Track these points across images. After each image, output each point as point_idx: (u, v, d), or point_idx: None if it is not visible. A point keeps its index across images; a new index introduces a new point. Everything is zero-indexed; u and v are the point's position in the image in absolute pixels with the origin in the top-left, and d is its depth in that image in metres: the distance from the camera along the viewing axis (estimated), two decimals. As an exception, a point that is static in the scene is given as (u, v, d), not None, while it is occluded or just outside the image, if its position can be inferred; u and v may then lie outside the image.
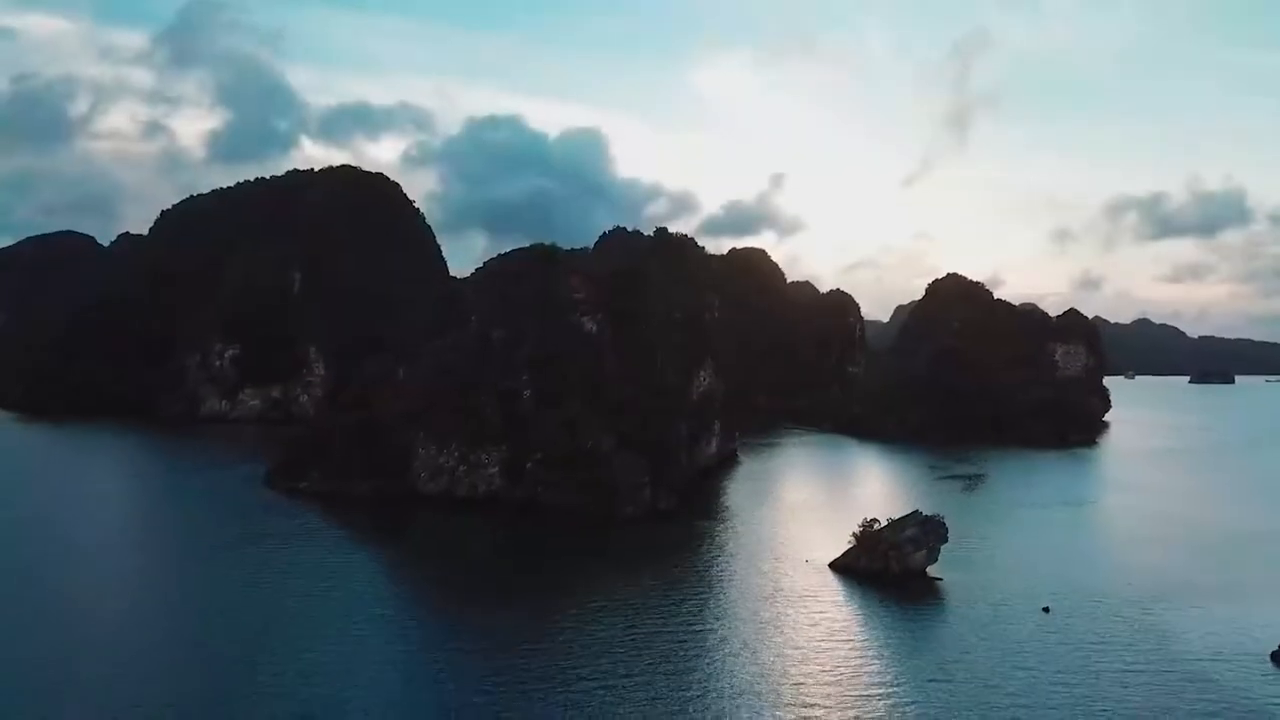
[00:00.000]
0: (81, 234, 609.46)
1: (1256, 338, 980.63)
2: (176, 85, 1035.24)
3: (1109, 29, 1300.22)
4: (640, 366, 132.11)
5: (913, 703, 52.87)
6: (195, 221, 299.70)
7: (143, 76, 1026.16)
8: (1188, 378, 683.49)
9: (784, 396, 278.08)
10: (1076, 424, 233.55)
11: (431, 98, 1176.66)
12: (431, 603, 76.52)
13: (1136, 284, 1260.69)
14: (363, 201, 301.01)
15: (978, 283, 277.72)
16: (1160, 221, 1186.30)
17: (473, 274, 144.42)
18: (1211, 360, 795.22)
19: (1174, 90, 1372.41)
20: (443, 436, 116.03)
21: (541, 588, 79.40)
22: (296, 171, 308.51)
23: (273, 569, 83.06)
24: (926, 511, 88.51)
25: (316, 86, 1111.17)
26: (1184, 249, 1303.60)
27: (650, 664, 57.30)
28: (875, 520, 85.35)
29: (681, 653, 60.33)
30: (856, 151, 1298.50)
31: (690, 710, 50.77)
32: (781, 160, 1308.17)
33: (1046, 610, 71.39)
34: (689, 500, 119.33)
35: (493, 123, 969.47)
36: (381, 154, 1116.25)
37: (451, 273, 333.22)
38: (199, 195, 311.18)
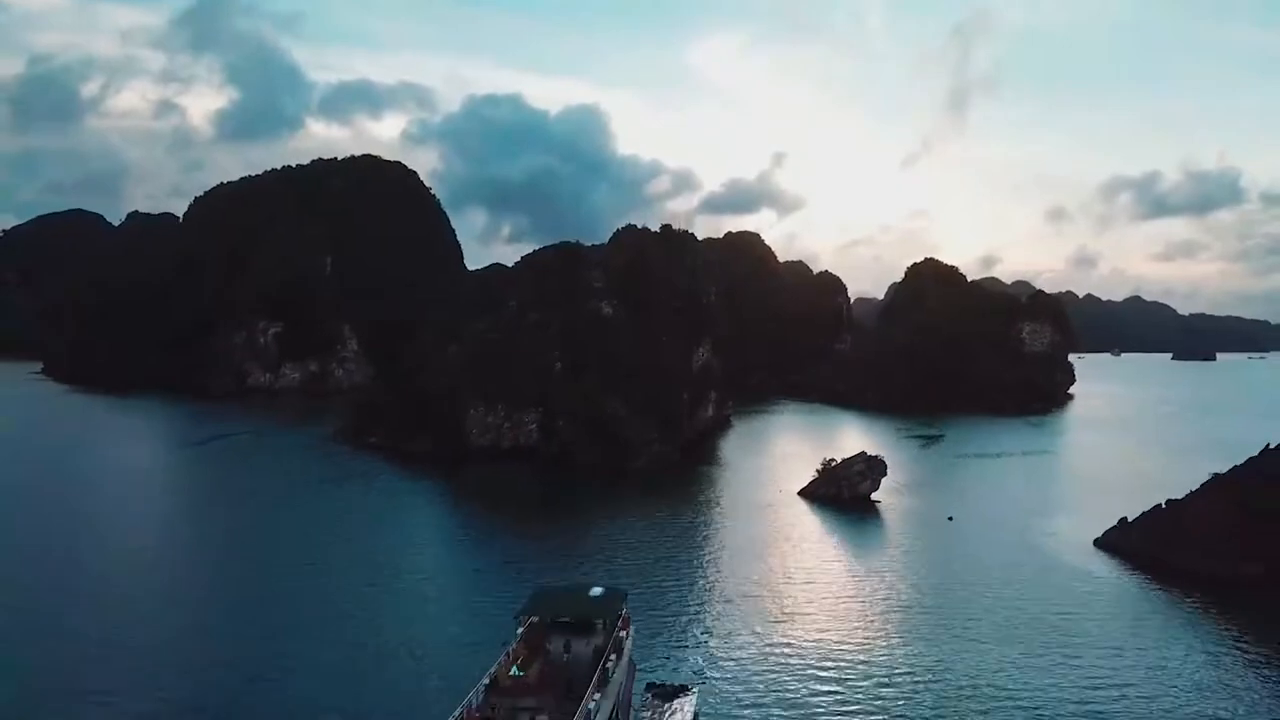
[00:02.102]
0: (90, 212, 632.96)
1: (1246, 315, 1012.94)
2: (188, 66, 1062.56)
3: (1107, 10, 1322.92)
4: (648, 344, 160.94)
5: (841, 559, 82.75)
6: (226, 206, 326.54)
7: (153, 57, 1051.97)
8: (1170, 355, 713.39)
9: (776, 371, 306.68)
10: (1040, 396, 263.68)
11: (432, 74, 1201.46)
12: (487, 517, 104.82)
13: (1131, 262, 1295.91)
14: (382, 189, 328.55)
15: (953, 267, 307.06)
16: (1154, 201, 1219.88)
17: (513, 266, 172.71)
18: (1201, 337, 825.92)
19: (1170, 71, 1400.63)
20: (490, 399, 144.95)
21: (573, 512, 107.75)
22: (320, 160, 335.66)
23: (360, 498, 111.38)
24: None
25: (319, 64, 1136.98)
26: (1177, 227, 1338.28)
27: (658, 552, 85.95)
28: (833, 459, 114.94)
29: (681, 543, 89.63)
30: (856, 131, 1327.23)
31: (690, 565, 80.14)
32: (781, 139, 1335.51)
33: (950, 519, 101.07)
34: (689, 454, 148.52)
35: (493, 101, 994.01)
36: (384, 131, 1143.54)
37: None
38: (229, 182, 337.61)
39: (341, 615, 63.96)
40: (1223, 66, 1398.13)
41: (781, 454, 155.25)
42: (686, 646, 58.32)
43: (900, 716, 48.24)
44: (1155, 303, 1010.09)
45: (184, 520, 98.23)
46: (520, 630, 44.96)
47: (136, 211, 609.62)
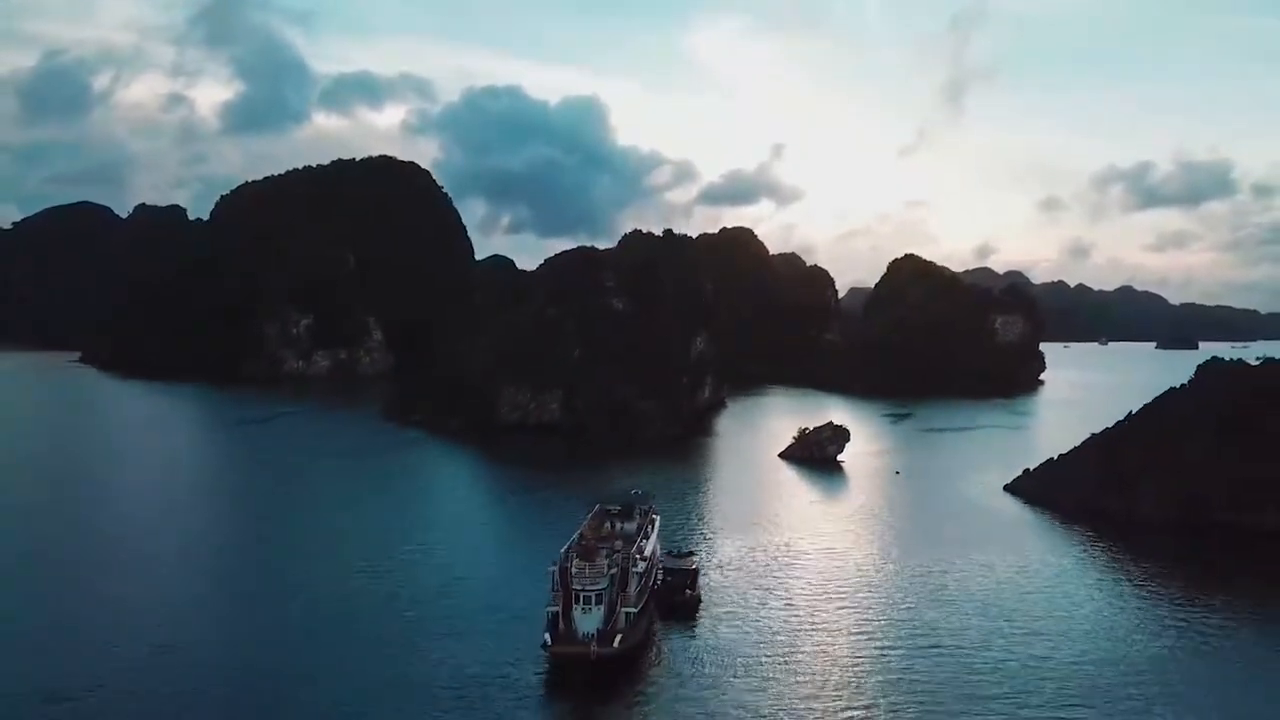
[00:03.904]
0: (98, 204, 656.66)
1: (1237, 304, 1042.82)
2: (196, 60, 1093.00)
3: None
4: (654, 335, 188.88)
5: (804, 495, 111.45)
6: (249, 205, 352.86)
7: (163, 51, 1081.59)
8: (1154, 344, 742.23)
9: (769, 359, 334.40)
10: (1010, 382, 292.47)
11: (429, 63, 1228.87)
12: (524, 475, 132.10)
13: (1125, 252, 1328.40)
14: (398, 188, 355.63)
15: (930, 262, 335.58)
16: (1146, 191, 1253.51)
17: (537, 268, 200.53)
18: (1187, 327, 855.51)
19: (1162, 61, 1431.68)
20: (519, 382, 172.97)
21: (595, 471, 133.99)
22: (339, 160, 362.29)
23: (417, 462, 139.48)
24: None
25: (319, 54, 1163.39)
26: (1169, 218, 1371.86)
27: (667, 491, 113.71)
28: (807, 428, 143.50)
29: (683, 486, 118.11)
30: (854, 121, 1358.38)
31: (690, 496, 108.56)
32: (779, 129, 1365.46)
33: (898, 473, 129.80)
34: (689, 429, 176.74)
35: (492, 93, 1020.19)
36: (384, 122, 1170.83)
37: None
38: (253, 181, 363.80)
39: (429, 549, 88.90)
40: (1214, 57, 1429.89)
41: (767, 429, 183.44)
42: (691, 533, 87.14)
43: (832, 577, 76.73)
44: (1146, 292, 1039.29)
45: (282, 478, 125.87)
46: (590, 515, 73.59)
47: (144, 204, 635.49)
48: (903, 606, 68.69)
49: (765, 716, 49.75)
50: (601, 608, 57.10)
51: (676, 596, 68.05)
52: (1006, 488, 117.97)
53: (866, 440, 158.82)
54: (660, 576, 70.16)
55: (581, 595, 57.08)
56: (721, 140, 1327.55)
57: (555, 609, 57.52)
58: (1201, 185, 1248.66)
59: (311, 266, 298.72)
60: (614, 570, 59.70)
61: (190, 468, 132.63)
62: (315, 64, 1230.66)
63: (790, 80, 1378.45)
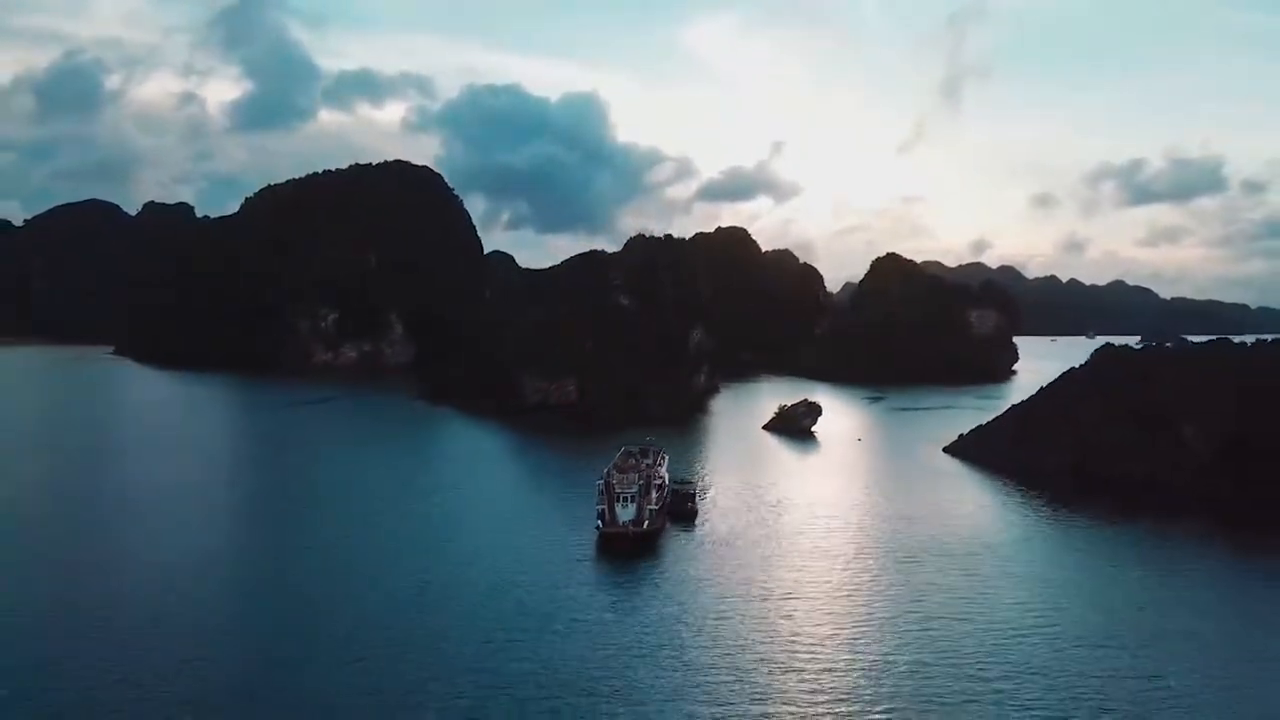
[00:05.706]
0: (106, 202, 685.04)
1: (1227, 299, 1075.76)
2: (205, 59, 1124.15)
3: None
4: (656, 328, 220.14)
5: (780, 453, 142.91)
6: (272, 208, 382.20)
7: (171, 50, 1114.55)
8: (1138, 337, 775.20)
9: (761, 351, 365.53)
10: (985, 372, 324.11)
11: (430, 59, 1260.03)
12: (549, 442, 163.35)
13: (1118, 246, 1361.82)
14: (412, 190, 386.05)
15: (910, 260, 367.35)
16: (1138, 187, 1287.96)
17: (553, 269, 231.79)
18: (1183, 321, 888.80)
19: (1157, 57, 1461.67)
20: (538, 368, 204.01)
21: (606, 441, 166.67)
22: (357, 164, 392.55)
23: (457, 433, 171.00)
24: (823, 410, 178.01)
25: (320, 50, 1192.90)
26: (1161, 214, 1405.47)
27: (672, 454, 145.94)
28: (785, 404, 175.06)
29: (682, 448, 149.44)
30: (852, 117, 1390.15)
31: (689, 453, 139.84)
32: (777, 125, 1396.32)
33: (859, 440, 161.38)
34: (686, 410, 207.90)
35: (492, 90, 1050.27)
36: (385, 118, 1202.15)
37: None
38: (277, 184, 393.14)
39: (492, 487, 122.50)
40: (1206, 55, 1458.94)
41: (754, 409, 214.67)
42: (691, 470, 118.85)
43: (792, 500, 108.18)
44: (1138, 287, 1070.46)
45: (350, 445, 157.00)
46: (618, 454, 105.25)
47: (152, 202, 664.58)
48: (840, 514, 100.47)
49: (738, 567, 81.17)
50: (634, 504, 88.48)
51: (680, 509, 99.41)
52: (945, 449, 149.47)
53: (839, 417, 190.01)
54: (669, 495, 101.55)
55: (620, 495, 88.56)
56: (720, 136, 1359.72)
57: (603, 506, 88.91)
58: (1193, 181, 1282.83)
59: (336, 265, 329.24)
60: (641, 481, 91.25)
61: (265, 440, 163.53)
62: (317, 61, 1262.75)
63: (789, 77, 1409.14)
